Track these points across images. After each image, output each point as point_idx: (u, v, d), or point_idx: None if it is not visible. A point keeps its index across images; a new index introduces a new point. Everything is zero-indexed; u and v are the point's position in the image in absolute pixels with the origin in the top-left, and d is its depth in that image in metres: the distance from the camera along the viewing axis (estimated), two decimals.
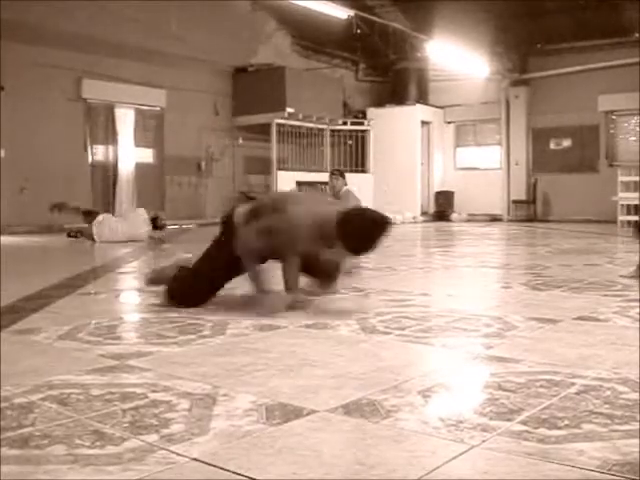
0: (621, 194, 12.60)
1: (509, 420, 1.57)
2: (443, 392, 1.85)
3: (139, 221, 8.77)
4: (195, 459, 1.35)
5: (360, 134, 14.50)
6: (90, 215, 8.74)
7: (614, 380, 1.90)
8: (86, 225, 8.61)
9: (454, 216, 15.10)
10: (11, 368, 2.08)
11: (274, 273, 3.33)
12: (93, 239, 8.37)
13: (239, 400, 1.74)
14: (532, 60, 14.70)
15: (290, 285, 3.25)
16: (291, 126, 13.05)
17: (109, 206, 11.17)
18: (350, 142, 14.49)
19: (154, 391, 1.82)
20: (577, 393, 1.78)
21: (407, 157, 14.93)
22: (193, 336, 2.58)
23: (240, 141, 13.77)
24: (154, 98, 12.25)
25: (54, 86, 10.82)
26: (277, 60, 13.60)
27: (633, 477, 1.24)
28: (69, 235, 8.81)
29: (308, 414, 1.63)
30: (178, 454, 1.38)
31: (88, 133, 11.58)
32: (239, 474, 1.28)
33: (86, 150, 11.49)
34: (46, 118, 10.68)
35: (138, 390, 1.83)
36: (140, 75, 11.87)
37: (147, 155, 12.68)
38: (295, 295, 3.25)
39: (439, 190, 15.82)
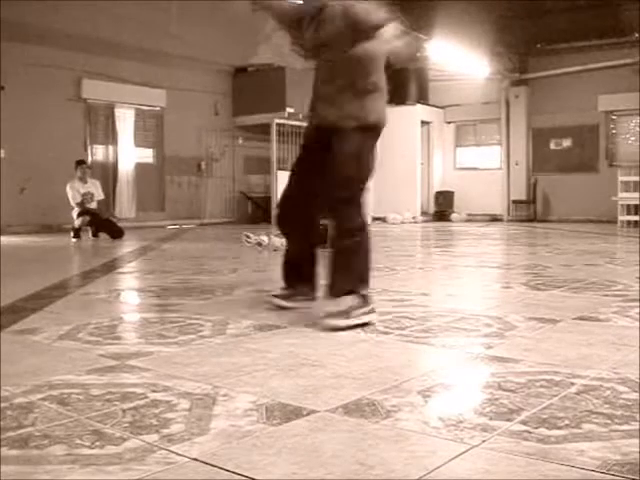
0: (621, 194, 12.61)
1: (509, 420, 1.57)
2: (443, 392, 1.85)
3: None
4: (195, 459, 1.35)
5: None
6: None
7: (614, 380, 1.90)
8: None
9: (454, 216, 15.09)
10: (11, 368, 2.08)
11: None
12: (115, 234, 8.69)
13: (239, 400, 1.74)
14: (532, 60, 14.70)
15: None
16: (291, 126, 13.05)
17: (109, 206, 11.18)
18: None
19: (154, 391, 1.82)
20: (577, 393, 1.78)
21: (407, 157, 14.93)
22: (193, 336, 2.58)
23: (240, 141, 13.77)
24: (154, 98, 12.26)
25: (54, 86, 10.83)
26: (277, 60, 13.59)
27: (633, 477, 1.24)
28: (94, 233, 8.96)
29: (308, 414, 1.63)
30: (178, 454, 1.38)
31: (88, 133, 11.59)
32: (239, 474, 1.28)
33: (86, 150, 11.50)
34: (46, 118, 10.69)
35: (138, 390, 1.83)
36: (140, 75, 11.88)
37: (147, 155, 12.69)
38: None
39: (439, 190, 15.81)
